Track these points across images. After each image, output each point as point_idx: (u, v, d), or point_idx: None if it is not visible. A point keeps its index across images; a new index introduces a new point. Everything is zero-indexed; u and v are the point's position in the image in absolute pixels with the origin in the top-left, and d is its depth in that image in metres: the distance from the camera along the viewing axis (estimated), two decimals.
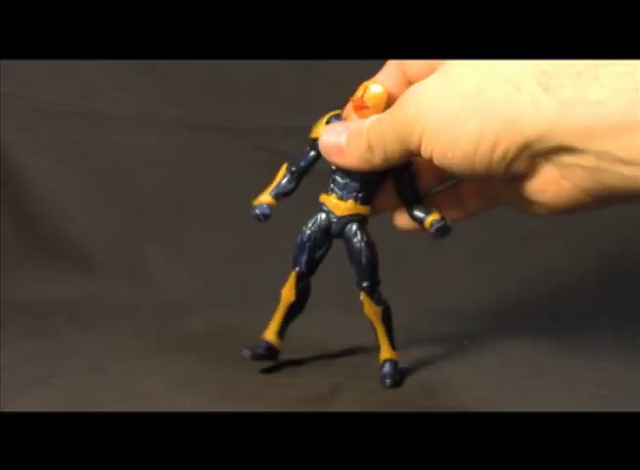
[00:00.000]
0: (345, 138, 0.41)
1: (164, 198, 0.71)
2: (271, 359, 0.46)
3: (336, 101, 0.44)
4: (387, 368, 0.45)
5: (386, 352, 0.45)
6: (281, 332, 0.46)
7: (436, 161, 0.37)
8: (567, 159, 0.34)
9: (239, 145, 0.70)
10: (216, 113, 0.71)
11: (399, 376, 0.45)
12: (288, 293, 0.45)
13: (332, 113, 0.44)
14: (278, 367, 0.46)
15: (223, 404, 0.41)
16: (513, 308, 0.59)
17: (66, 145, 0.71)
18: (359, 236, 0.44)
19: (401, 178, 0.43)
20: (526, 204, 0.38)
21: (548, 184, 0.36)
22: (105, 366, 0.47)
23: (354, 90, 0.42)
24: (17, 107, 0.71)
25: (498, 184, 0.40)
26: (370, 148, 0.40)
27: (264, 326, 0.46)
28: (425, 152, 0.38)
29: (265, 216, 0.44)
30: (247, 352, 0.45)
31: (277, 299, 0.46)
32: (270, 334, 0.46)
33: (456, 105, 0.36)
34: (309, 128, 0.44)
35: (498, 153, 0.35)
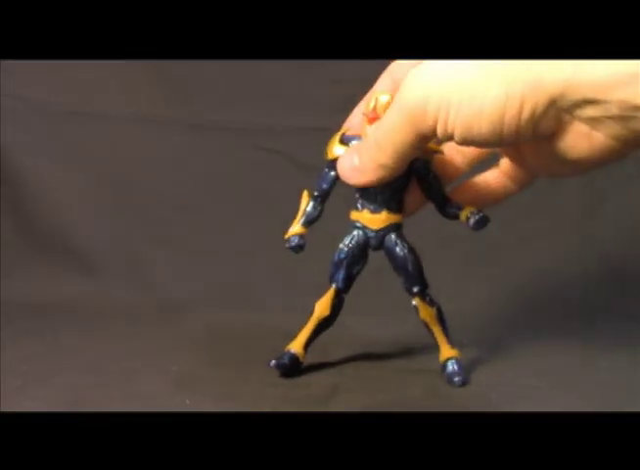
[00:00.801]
0: (357, 156, 0.41)
1: (164, 198, 0.71)
2: (294, 371, 0.45)
3: (336, 101, 0.44)
4: (451, 367, 0.45)
5: (446, 352, 0.45)
6: (307, 345, 0.46)
7: (459, 137, 0.36)
8: (592, 111, 0.34)
9: (239, 145, 0.70)
10: (216, 113, 0.71)
11: (466, 373, 0.45)
12: (323, 307, 0.45)
13: (342, 130, 0.43)
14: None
15: (223, 404, 0.41)
16: (512, 309, 0.59)
17: (66, 145, 0.71)
18: (400, 244, 0.44)
19: (426, 179, 0.43)
20: (558, 165, 0.38)
21: (579, 139, 0.36)
22: (105, 366, 0.47)
23: (353, 90, 0.42)
24: (17, 107, 0.71)
25: (527, 153, 0.39)
26: (380, 150, 0.39)
27: (264, 326, 0.46)
28: (443, 132, 0.36)
29: (300, 247, 0.43)
30: (272, 362, 0.45)
31: (276, 300, 0.46)
32: (297, 346, 0.45)
33: (471, 75, 0.35)
34: (309, 128, 0.44)
35: (525, 114, 0.34)
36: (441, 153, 0.43)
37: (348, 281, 0.45)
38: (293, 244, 0.43)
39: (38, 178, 0.71)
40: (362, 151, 0.41)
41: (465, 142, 0.37)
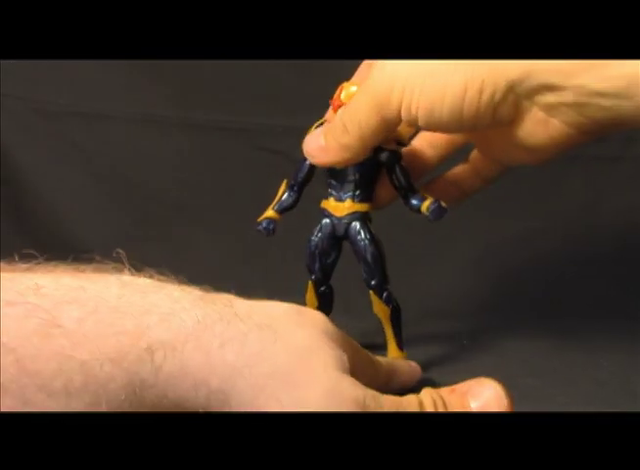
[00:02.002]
0: (323, 136, 0.41)
1: (164, 198, 0.71)
2: None
3: None
4: None
5: (392, 352, 0.45)
6: None
7: (422, 121, 0.37)
8: (549, 97, 0.35)
9: (239, 145, 0.70)
10: (216, 113, 0.71)
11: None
12: (310, 301, 0.46)
13: (319, 121, 0.44)
14: None
15: None
16: (513, 308, 0.59)
17: (66, 145, 0.71)
18: (362, 234, 0.44)
19: (393, 170, 0.44)
20: (518, 152, 0.39)
21: (537, 126, 0.37)
22: None
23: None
24: (17, 107, 0.71)
25: (488, 140, 0.40)
26: (346, 131, 0.39)
27: None
28: (408, 114, 0.37)
29: (269, 231, 0.44)
30: None
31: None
32: None
33: (436, 62, 0.36)
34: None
35: (485, 98, 0.35)
36: (405, 145, 0.44)
37: (324, 271, 0.45)
38: (261, 227, 0.44)
39: (38, 178, 0.71)
40: (328, 131, 0.41)
41: (428, 126, 0.37)
